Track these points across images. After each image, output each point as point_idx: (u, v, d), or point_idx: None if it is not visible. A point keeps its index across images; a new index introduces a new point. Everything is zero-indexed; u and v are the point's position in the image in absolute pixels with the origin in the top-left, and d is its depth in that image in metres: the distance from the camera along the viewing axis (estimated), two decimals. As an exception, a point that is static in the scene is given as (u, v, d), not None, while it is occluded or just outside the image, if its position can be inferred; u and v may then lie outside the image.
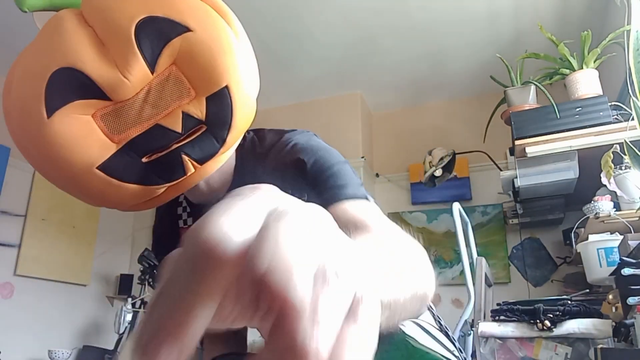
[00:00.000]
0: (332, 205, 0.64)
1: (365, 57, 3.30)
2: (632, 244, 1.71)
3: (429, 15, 2.90)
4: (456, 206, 2.33)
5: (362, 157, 3.57)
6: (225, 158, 0.64)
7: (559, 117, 2.05)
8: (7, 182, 3.23)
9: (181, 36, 0.54)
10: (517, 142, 2.12)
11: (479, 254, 2.53)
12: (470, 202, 3.46)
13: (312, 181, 0.68)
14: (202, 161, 0.59)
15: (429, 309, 0.76)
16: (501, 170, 3.07)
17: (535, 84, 2.24)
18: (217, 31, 0.56)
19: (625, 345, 1.55)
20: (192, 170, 0.59)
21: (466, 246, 2.35)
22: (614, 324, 1.63)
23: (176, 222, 0.87)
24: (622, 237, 1.84)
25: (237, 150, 0.74)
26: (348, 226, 0.58)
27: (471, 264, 2.34)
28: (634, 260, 1.56)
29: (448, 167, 3.35)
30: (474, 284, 2.19)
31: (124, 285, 3.85)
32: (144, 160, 0.57)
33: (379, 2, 2.79)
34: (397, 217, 3.62)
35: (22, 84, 0.54)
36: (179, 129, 0.56)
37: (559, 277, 3.11)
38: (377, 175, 3.82)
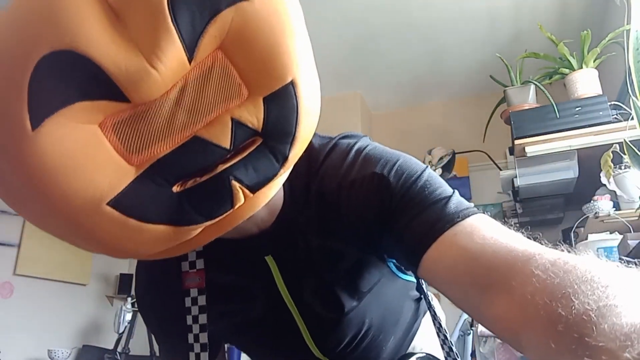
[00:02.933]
0: (443, 236, 0.48)
1: (365, 57, 3.30)
2: (632, 243, 1.71)
3: (428, 15, 2.89)
4: (456, 206, 2.32)
5: (362, 157, 3.57)
6: (281, 183, 0.46)
7: (558, 116, 2.05)
8: None
9: (234, 7, 0.37)
10: (517, 142, 2.12)
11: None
12: (469, 202, 3.45)
13: (400, 202, 0.53)
14: (255, 188, 0.42)
15: (434, 319, 0.72)
16: (501, 169, 3.06)
17: (534, 84, 2.24)
18: (278, 1, 0.40)
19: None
20: (242, 201, 0.42)
21: (466, 246, 2.35)
22: (613, 323, 1.63)
23: (177, 265, 0.64)
24: (621, 236, 1.85)
25: None
26: (486, 260, 0.42)
27: (471, 264, 2.33)
28: (633, 260, 1.55)
29: (448, 167, 3.35)
30: (473, 284, 2.19)
31: (124, 284, 3.84)
32: (175, 189, 0.39)
33: (378, 2, 2.78)
34: (396, 216, 3.62)
35: None
36: (226, 143, 0.39)
37: (559, 276, 3.10)
38: (376, 174, 3.82)
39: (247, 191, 0.42)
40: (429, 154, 3.36)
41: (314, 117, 0.44)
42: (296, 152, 0.44)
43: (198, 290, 0.63)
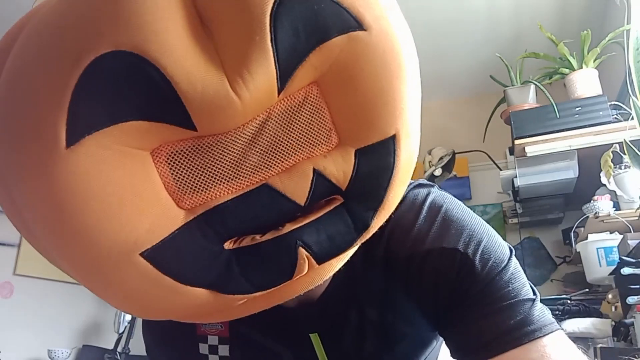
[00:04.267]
0: (521, 348, 0.43)
1: (365, 57, 3.30)
2: (632, 243, 1.71)
3: (428, 14, 2.89)
4: (456, 206, 2.33)
5: (362, 157, 3.57)
6: (351, 254, 0.38)
7: (558, 116, 2.05)
8: None
9: (347, 35, 0.30)
10: (517, 142, 2.12)
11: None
12: (469, 202, 3.46)
13: (482, 292, 0.46)
14: (324, 258, 0.34)
15: None
16: (501, 169, 3.06)
17: (534, 84, 2.24)
18: (396, 37, 0.32)
19: (625, 345, 1.55)
20: (305, 271, 0.34)
21: (466, 246, 2.35)
22: (613, 323, 1.63)
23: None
24: (621, 236, 1.85)
25: None
26: None
27: (471, 264, 2.33)
28: (633, 260, 1.56)
29: (448, 167, 3.35)
30: (473, 284, 2.19)
31: (124, 284, 3.84)
32: (227, 246, 0.32)
33: (378, 2, 2.78)
34: (396, 216, 3.63)
35: (28, 76, 0.28)
36: (301, 199, 0.32)
37: (559, 276, 3.10)
38: (376, 174, 3.82)
39: (313, 261, 0.33)
40: (429, 154, 3.36)
41: (407, 181, 0.37)
42: (379, 221, 0.36)
43: (219, 338, 0.55)
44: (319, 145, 0.33)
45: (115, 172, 0.28)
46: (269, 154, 0.31)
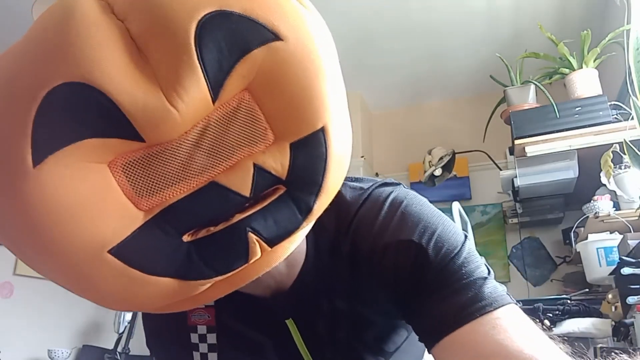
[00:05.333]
0: (473, 322, 0.47)
1: (365, 57, 3.30)
2: (632, 243, 1.71)
3: (428, 14, 2.89)
4: (456, 206, 2.33)
5: (362, 157, 3.57)
6: (303, 237, 0.43)
7: (558, 116, 2.05)
8: None
9: (266, 46, 0.35)
10: (517, 142, 2.12)
11: (478, 254, 2.53)
12: (469, 202, 3.46)
13: (436, 277, 0.51)
14: (274, 241, 0.38)
15: None
16: (501, 169, 3.06)
17: (534, 84, 2.24)
18: (312, 40, 0.37)
19: (625, 345, 1.55)
20: (259, 255, 0.38)
21: (466, 246, 2.35)
22: (613, 323, 1.64)
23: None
24: (621, 236, 1.85)
25: None
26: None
27: (471, 264, 2.33)
28: (633, 260, 1.56)
29: (448, 167, 3.35)
30: (473, 284, 2.19)
31: (124, 284, 3.84)
32: (185, 238, 0.36)
33: (378, 2, 2.78)
34: (396, 216, 3.62)
35: None
36: (246, 191, 0.36)
37: (559, 276, 3.11)
38: (377, 174, 3.82)
39: (264, 244, 0.38)
40: (429, 153, 3.36)
41: (343, 167, 0.41)
42: (322, 204, 0.40)
43: (207, 327, 0.60)
44: (257, 143, 0.37)
45: (78, 184, 0.32)
46: (213, 155, 0.35)
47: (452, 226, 0.55)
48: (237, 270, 0.38)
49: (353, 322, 0.60)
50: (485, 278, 0.51)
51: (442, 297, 0.50)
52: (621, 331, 1.56)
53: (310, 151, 0.38)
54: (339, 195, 0.56)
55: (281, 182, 0.37)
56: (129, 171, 0.34)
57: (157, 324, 0.67)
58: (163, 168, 0.34)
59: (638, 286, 1.50)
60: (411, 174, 3.73)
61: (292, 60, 0.35)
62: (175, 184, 0.35)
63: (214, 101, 0.34)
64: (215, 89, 0.34)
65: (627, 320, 1.55)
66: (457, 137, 3.59)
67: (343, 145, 0.40)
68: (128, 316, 3.44)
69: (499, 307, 0.48)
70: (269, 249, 0.38)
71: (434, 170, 3.29)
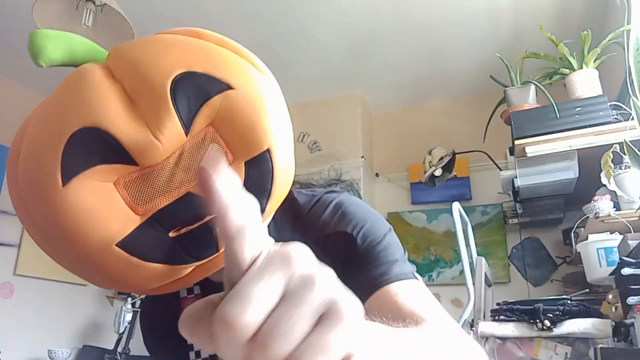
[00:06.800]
0: (381, 289, 0.62)
1: (365, 57, 3.30)
2: (632, 243, 1.71)
3: (428, 15, 2.90)
4: (456, 206, 2.33)
5: (362, 157, 3.57)
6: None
7: (558, 116, 2.05)
8: (7, 182, 3.23)
9: (222, 94, 0.48)
10: (517, 142, 2.12)
11: (478, 254, 2.53)
12: (470, 202, 3.46)
13: (361, 258, 0.67)
14: None
15: None
16: (501, 170, 3.07)
17: (535, 84, 2.24)
18: (257, 89, 0.51)
19: (625, 345, 1.55)
20: None
21: (466, 246, 2.35)
22: (613, 323, 1.63)
23: (177, 292, 0.72)
24: (621, 236, 1.85)
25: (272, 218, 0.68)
26: (400, 315, 0.57)
27: (471, 264, 2.34)
28: (633, 260, 1.56)
29: (448, 167, 3.35)
30: (473, 284, 2.19)
31: (124, 284, 3.84)
32: (171, 234, 0.49)
33: (379, 2, 2.79)
34: (397, 217, 3.62)
35: (36, 146, 0.48)
36: None
37: (559, 276, 3.11)
38: (377, 175, 3.82)
39: None
40: (429, 154, 3.36)
41: (288, 177, 0.54)
42: (272, 205, 0.53)
43: None
44: None
45: (93, 197, 0.46)
46: (188, 173, 0.48)
47: (379, 223, 0.71)
48: (210, 257, 0.51)
49: None
50: (396, 260, 0.66)
51: (362, 271, 0.66)
52: (621, 332, 1.56)
53: (260, 166, 0.50)
54: (295, 201, 0.73)
55: None
56: (128, 187, 0.47)
57: (152, 316, 0.80)
58: (153, 183, 0.47)
59: (638, 286, 1.50)
60: (411, 174, 3.73)
61: (242, 102, 0.49)
62: (162, 195, 0.48)
63: (186, 134, 0.47)
64: (187, 125, 0.47)
65: (628, 321, 1.55)
66: (457, 138, 3.59)
67: (286, 161, 0.53)
68: (128, 317, 3.44)
69: (402, 279, 0.64)
70: None
71: (434, 170, 3.29)
